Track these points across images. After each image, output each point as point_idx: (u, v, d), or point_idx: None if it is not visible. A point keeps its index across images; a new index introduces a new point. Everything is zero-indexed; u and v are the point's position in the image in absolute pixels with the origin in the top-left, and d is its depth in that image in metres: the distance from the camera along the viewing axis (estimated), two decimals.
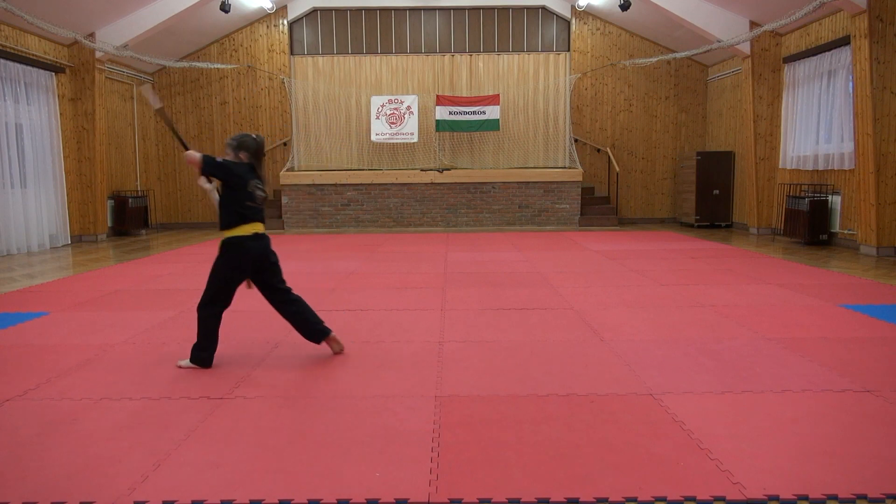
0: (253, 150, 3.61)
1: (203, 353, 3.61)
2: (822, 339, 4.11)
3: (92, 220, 10.64)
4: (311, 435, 2.69)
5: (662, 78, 13.18)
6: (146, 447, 2.58)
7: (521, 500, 2.16)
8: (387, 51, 13.05)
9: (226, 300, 3.64)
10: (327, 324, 3.83)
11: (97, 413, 2.96)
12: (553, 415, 2.88)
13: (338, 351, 3.87)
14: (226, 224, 3.55)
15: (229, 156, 3.59)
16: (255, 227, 3.59)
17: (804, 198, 9.12)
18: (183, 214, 13.33)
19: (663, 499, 2.15)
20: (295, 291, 3.81)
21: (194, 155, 3.44)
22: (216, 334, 3.63)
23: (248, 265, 3.61)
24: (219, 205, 3.57)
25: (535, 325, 4.57)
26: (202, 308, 3.60)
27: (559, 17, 13.05)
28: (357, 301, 5.47)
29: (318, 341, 3.82)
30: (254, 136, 3.65)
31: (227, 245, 3.57)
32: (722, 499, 2.15)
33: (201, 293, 3.63)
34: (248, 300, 5.64)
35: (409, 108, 12.50)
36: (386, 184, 12.29)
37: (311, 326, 3.77)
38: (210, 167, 3.46)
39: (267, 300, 3.77)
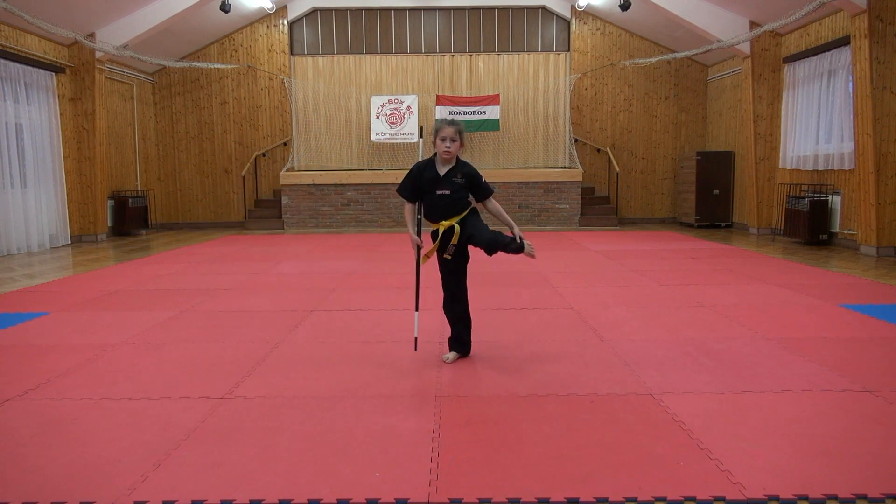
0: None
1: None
2: (822, 339, 4.11)
3: (92, 220, 10.64)
4: (311, 435, 2.69)
5: (662, 78, 13.17)
6: (146, 447, 2.58)
7: (521, 500, 2.15)
8: (387, 51, 13.05)
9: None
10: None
11: (97, 413, 2.96)
12: (553, 415, 2.88)
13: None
14: None
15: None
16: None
17: (804, 198, 9.11)
18: (183, 214, 13.33)
19: (663, 499, 2.15)
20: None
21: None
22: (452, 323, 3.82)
23: None
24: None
25: (534, 325, 4.57)
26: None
27: (559, 17, 13.05)
28: (357, 301, 5.47)
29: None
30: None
31: None
32: (722, 499, 2.15)
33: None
34: (248, 300, 5.64)
35: (409, 108, 12.50)
36: (386, 184, 12.28)
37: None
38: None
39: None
